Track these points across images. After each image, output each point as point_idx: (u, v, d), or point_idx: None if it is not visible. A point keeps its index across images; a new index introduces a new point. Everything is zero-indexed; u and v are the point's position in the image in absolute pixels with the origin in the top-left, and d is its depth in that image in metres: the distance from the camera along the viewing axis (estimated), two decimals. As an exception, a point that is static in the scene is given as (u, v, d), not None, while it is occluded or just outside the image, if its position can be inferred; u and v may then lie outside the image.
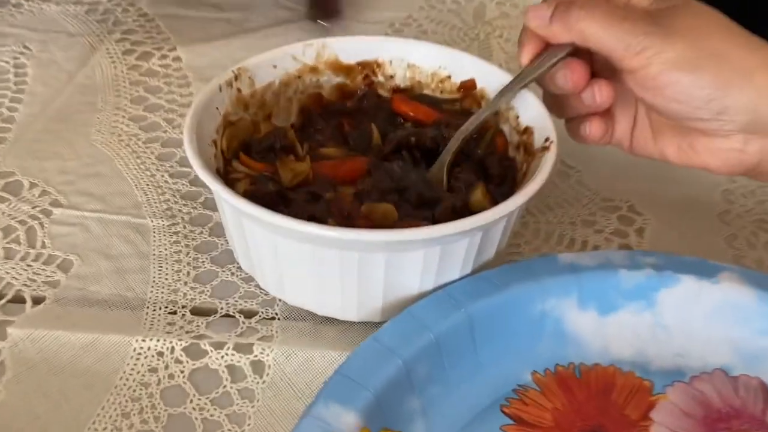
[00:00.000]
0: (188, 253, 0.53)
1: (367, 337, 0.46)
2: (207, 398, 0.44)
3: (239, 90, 0.53)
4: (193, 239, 0.54)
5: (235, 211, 0.45)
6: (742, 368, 0.45)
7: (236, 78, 0.53)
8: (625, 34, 0.44)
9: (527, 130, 0.52)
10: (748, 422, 0.42)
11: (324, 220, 0.45)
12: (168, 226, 0.55)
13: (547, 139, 0.49)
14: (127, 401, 0.43)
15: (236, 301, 0.50)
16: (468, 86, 0.57)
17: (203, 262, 0.53)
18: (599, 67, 0.48)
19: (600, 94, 0.48)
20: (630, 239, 0.56)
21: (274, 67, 0.56)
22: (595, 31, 0.45)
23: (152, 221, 0.56)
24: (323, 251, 0.43)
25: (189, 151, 0.45)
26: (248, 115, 0.54)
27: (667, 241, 0.56)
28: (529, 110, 0.52)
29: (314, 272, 0.45)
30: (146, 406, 0.43)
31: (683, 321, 0.47)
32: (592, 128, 0.49)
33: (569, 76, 0.47)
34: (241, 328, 0.48)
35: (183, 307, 0.49)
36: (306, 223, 0.41)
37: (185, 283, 0.51)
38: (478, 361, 0.44)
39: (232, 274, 0.52)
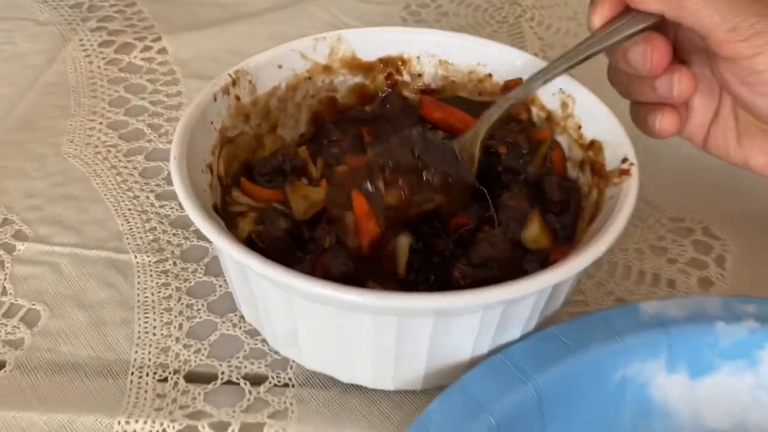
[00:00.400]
0: (180, 299, 0.44)
1: (404, 411, 0.38)
2: None
3: (238, 98, 0.44)
4: (185, 279, 0.45)
5: (254, 275, 0.35)
6: None
7: (234, 83, 0.43)
8: (733, 12, 0.35)
9: (594, 145, 0.42)
10: None
11: (353, 275, 0.35)
12: (155, 262, 0.46)
13: (625, 160, 0.39)
14: None
15: (240, 362, 0.40)
16: (514, 87, 0.47)
17: (198, 309, 0.43)
18: (679, 46, 0.40)
19: (679, 86, 0.39)
20: (710, 271, 0.47)
21: (279, 67, 0.46)
22: (696, 3, 0.35)
23: (136, 257, 0.46)
24: (354, 315, 0.34)
25: (179, 188, 0.36)
26: (250, 128, 0.45)
27: (753, 272, 0.47)
28: (596, 119, 0.42)
29: (340, 336, 0.36)
30: None
31: None
32: (664, 122, 0.40)
33: (648, 56, 0.38)
34: (248, 400, 0.38)
35: (175, 372, 0.40)
36: (333, 287, 0.32)
37: (177, 340, 0.41)
38: None
39: (234, 325, 0.42)
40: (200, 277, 0.45)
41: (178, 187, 0.36)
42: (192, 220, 0.35)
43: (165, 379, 0.39)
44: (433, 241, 0.40)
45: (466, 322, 0.34)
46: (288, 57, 0.46)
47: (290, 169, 0.43)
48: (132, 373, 0.40)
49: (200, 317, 0.43)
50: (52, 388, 0.39)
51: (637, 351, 0.38)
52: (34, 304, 0.43)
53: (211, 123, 0.41)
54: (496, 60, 0.47)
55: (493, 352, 0.37)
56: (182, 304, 0.44)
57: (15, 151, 0.54)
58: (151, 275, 0.45)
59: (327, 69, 0.47)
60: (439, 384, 0.37)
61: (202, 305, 0.44)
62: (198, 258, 0.46)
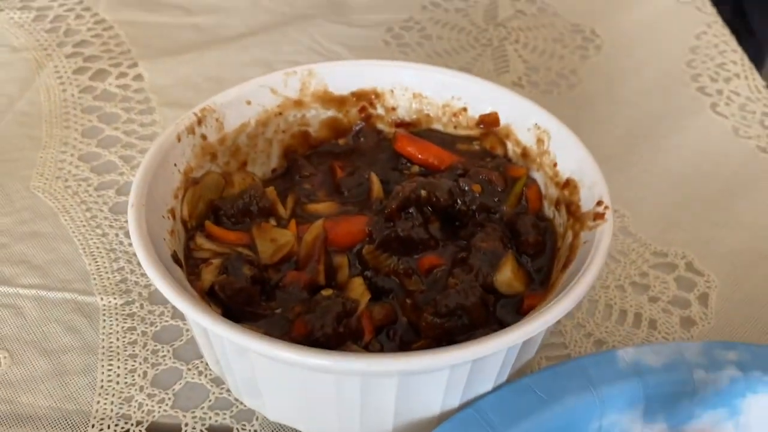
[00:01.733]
0: (145, 344, 0.42)
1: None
2: None
3: (204, 137, 0.42)
4: (151, 323, 0.44)
5: (222, 339, 0.34)
6: None
7: (199, 122, 0.42)
8: None
9: (569, 184, 0.41)
10: None
11: (315, 325, 0.34)
12: (121, 305, 0.45)
13: (600, 203, 0.38)
14: None
15: (205, 413, 0.39)
16: (489, 121, 0.46)
17: (164, 356, 0.42)
18: None
19: None
20: (692, 310, 0.45)
21: (248, 103, 0.44)
22: None
23: (102, 299, 0.45)
24: (316, 375, 0.32)
25: (135, 239, 0.34)
26: (217, 167, 0.43)
27: (737, 310, 0.45)
28: (571, 156, 0.41)
29: (303, 393, 0.34)
30: None
31: None
32: None
33: None
34: (220, 453, 0.37)
35: (138, 423, 0.38)
36: (292, 349, 0.30)
37: (141, 389, 0.40)
38: None
39: (200, 373, 0.41)
40: (167, 321, 0.44)
41: (134, 238, 0.35)
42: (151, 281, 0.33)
43: (127, 430, 0.38)
44: (405, 281, 0.39)
45: (432, 380, 0.33)
46: (257, 92, 0.45)
47: (257, 210, 0.41)
48: (93, 426, 0.38)
49: (165, 364, 0.41)
50: (9, 443, 0.38)
51: (614, 402, 0.36)
52: None
53: (175, 165, 0.40)
54: (470, 93, 0.46)
55: (463, 406, 0.36)
56: (147, 350, 0.42)
57: (-17, 186, 0.53)
58: (116, 319, 0.44)
59: (298, 104, 0.46)
60: (409, 440, 0.36)
61: (168, 351, 0.42)
62: (165, 300, 0.44)
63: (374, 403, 0.34)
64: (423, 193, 0.41)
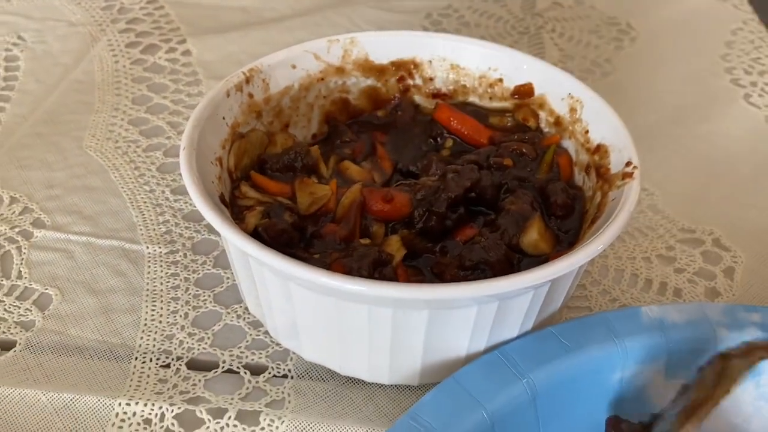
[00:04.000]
0: (187, 289, 0.45)
1: (400, 406, 0.38)
2: None
3: (251, 95, 0.45)
4: (194, 271, 0.46)
5: (256, 264, 0.36)
6: None
7: (247, 81, 0.44)
8: None
9: (600, 149, 0.42)
10: None
11: (353, 267, 0.36)
12: (166, 253, 0.47)
13: (629, 163, 0.39)
14: None
15: (242, 352, 0.41)
16: (524, 91, 0.48)
17: (205, 300, 0.44)
18: None
19: None
20: (718, 282, 0.46)
21: (293, 67, 0.47)
22: None
23: (148, 247, 0.47)
24: (350, 305, 0.34)
25: (186, 175, 0.37)
26: (262, 125, 0.45)
27: (762, 284, 0.46)
28: (603, 123, 0.43)
29: (337, 327, 0.36)
30: None
31: None
32: None
33: None
34: (247, 388, 0.39)
35: (178, 359, 0.41)
36: (329, 275, 0.32)
37: (182, 328, 0.42)
38: (573, 414, 0.36)
39: (239, 316, 0.43)
40: (208, 269, 0.46)
41: (186, 175, 0.37)
42: (199, 210, 0.35)
43: (167, 365, 0.40)
44: (441, 258, 0.40)
45: (461, 317, 0.35)
46: (302, 57, 0.47)
47: (301, 166, 0.43)
48: (136, 358, 0.41)
49: (206, 307, 0.44)
50: (57, 369, 0.40)
51: (637, 354, 0.37)
52: (46, 289, 0.44)
53: (223, 118, 0.42)
54: (506, 65, 0.48)
55: (489, 350, 0.37)
56: (189, 294, 0.44)
57: (40, 143, 0.56)
58: (160, 265, 0.46)
59: (340, 71, 0.48)
60: (435, 380, 0.37)
61: (209, 296, 0.44)
62: (208, 251, 0.47)
63: (404, 341, 0.36)
64: (473, 194, 0.41)
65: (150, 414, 0.37)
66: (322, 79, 0.48)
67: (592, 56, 0.68)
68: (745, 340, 0.38)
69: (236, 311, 0.43)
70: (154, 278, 0.45)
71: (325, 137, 0.49)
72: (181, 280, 0.45)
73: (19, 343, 0.41)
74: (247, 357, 0.41)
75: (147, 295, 0.44)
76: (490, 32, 0.71)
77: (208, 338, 0.42)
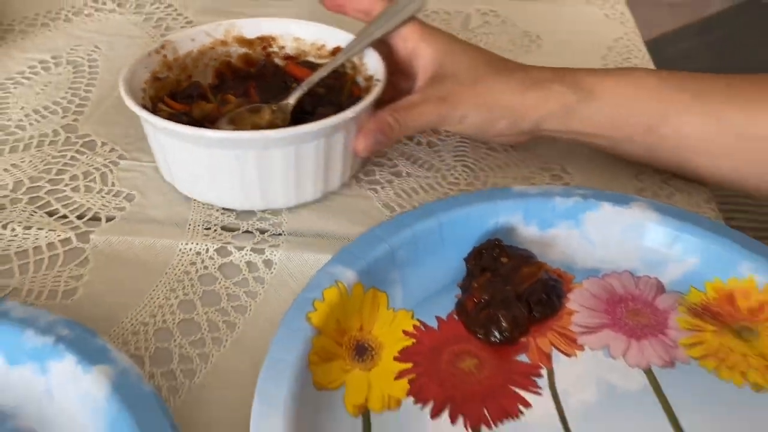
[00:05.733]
0: (220, 191, 0.71)
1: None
2: (230, 281, 0.61)
3: (165, 56, 0.72)
4: (224, 182, 0.72)
5: (153, 128, 0.62)
6: (644, 271, 0.57)
7: (163, 47, 0.72)
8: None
9: (370, 78, 0.70)
10: (641, 304, 0.54)
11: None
12: (205, 172, 0.73)
13: (378, 80, 0.66)
14: (174, 282, 0.60)
15: (254, 222, 0.67)
16: (335, 51, 0.76)
17: (231, 196, 0.70)
18: None
19: None
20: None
21: (192, 40, 0.75)
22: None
23: (194, 169, 0.73)
24: (215, 151, 0.61)
25: (123, 93, 0.63)
26: (173, 75, 0.73)
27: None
28: (373, 63, 0.70)
29: (210, 170, 0.63)
30: (187, 286, 0.60)
31: (603, 236, 0.58)
32: None
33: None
34: (257, 239, 0.65)
35: (215, 225, 0.66)
36: (193, 128, 0.59)
37: (217, 209, 0.68)
38: (444, 252, 0.57)
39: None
40: (233, 181, 0.72)
41: (123, 93, 0.63)
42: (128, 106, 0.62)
43: (209, 228, 0.66)
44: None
45: (283, 156, 0.60)
46: (199, 34, 0.75)
47: (196, 95, 0.71)
48: (189, 225, 0.66)
49: (231, 200, 0.69)
50: (142, 229, 0.65)
51: (504, 209, 0.58)
52: (131, 191, 0.70)
53: (146, 68, 0.70)
54: (327, 36, 0.75)
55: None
56: (221, 193, 0.70)
57: (117, 112, 0.82)
58: (202, 179, 0.72)
59: (224, 43, 0.76)
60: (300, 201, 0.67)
61: (233, 194, 0.70)
62: (232, 171, 0.73)
63: (266, 175, 0.62)
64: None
65: (200, 249, 0.63)
66: (212, 48, 0.76)
67: (508, 56, 0.94)
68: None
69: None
70: (199, 186, 0.71)
71: (216, 85, 0.76)
72: (215, 186, 0.71)
73: (117, 217, 0.67)
74: (257, 225, 0.66)
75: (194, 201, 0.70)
76: (434, 42, 0.97)
77: (234, 215, 0.67)
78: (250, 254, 0.63)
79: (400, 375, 0.48)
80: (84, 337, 0.50)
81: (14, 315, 0.51)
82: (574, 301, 0.54)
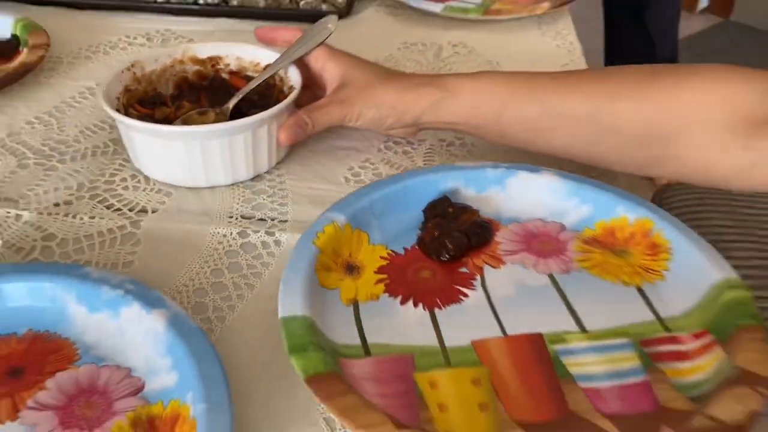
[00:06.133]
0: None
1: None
2: (249, 255, 0.79)
3: (134, 73, 0.92)
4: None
5: (125, 127, 0.81)
6: (551, 218, 0.74)
7: (132, 65, 0.92)
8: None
9: (291, 88, 0.89)
10: (548, 238, 0.72)
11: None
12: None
13: (292, 87, 0.86)
14: (206, 256, 0.79)
15: (267, 212, 0.86)
16: (267, 68, 0.92)
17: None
18: None
19: None
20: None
21: (156, 60, 0.92)
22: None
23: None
24: (170, 142, 0.80)
25: (101, 99, 0.81)
26: (141, 87, 0.92)
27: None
28: (293, 77, 0.89)
29: (166, 156, 0.82)
30: (216, 259, 0.79)
31: (521, 195, 0.75)
32: None
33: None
34: (269, 224, 0.84)
35: (236, 214, 0.85)
36: (152, 124, 0.79)
37: (237, 202, 0.88)
38: (408, 206, 0.74)
39: (264, 199, 0.89)
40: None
41: (101, 98, 0.81)
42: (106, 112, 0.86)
43: (231, 217, 0.85)
44: None
45: (221, 146, 0.81)
46: (161, 54, 0.94)
47: (158, 102, 0.90)
48: (216, 214, 0.86)
49: (256, 200, 0.90)
50: (181, 218, 0.85)
51: (451, 178, 0.75)
52: (169, 189, 0.88)
53: (120, 82, 0.88)
54: (261, 56, 0.93)
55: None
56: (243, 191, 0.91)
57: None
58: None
59: (181, 62, 0.95)
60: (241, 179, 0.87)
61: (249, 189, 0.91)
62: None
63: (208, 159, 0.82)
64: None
65: (225, 232, 0.82)
66: (172, 66, 0.94)
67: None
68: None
69: (263, 197, 0.90)
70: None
71: (176, 95, 0.92)
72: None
73: (159, 210, 0.86)
74: (268, 214, 0.85)
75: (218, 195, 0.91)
76: (411, 70, 1.15)
77: (250, 207, 0.88)
78: (264, 236, 0.82)
79: (378, 282, 0.68)
80: (145, 290, 0.68)
81: (92, 276, 0.69)
82: (500, 236, 0.74)
